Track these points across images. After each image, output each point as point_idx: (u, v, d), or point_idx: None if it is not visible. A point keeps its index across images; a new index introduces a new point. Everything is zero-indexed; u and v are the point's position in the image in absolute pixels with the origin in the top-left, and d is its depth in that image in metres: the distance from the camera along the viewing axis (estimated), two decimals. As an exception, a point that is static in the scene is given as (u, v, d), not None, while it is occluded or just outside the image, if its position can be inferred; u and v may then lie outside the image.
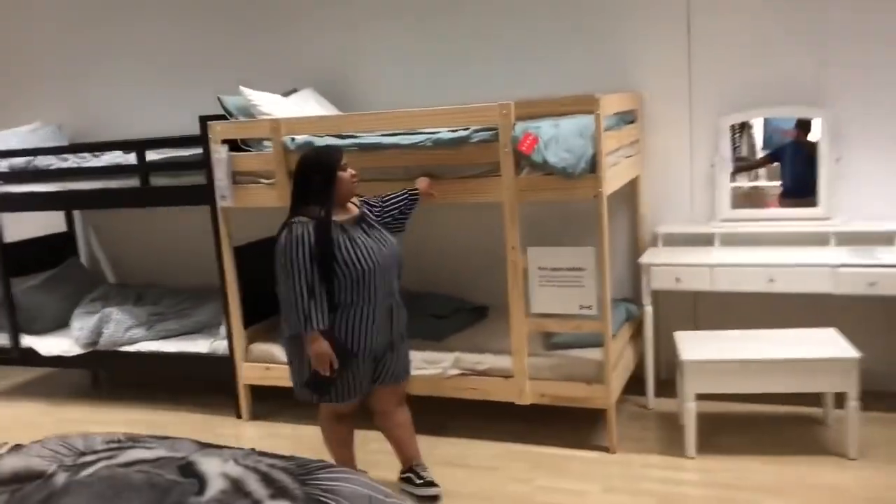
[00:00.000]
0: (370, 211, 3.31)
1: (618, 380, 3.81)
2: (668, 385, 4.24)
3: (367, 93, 4.82)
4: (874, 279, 3.59)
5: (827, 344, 3.54)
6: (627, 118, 4.11)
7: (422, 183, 3.60)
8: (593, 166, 3.45)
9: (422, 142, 3.67)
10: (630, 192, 4.32)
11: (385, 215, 3.40)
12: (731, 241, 4.18)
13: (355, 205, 3.25)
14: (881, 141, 3.94)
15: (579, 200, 3.58)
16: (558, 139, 3.48)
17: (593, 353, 3.75)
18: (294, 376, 3.21)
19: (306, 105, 4.48)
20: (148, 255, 5.57)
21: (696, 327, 4.40)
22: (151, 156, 4.45)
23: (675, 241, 4.29)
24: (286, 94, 4.52)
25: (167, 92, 5.24)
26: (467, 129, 3.63)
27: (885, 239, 3.88)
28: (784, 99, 4.05)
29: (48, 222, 5.57)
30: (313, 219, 3.01)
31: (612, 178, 3.63)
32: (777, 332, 3.75)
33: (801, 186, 4.18)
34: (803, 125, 4.12)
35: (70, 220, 5.75)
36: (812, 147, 4.06)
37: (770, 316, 4.20)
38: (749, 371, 3.44)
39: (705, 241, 4.22)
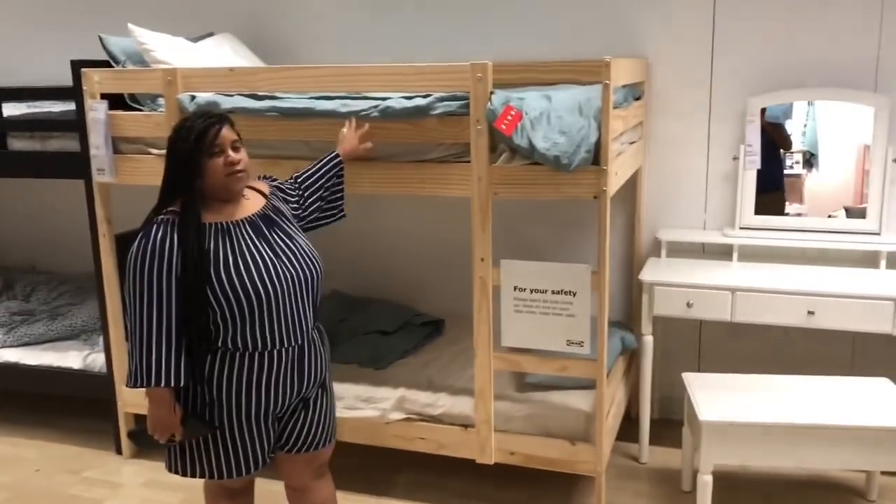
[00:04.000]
0: (286, 200, 2.36)
1: (610, 437, 2.93)
2: (661, 427, 3.40)
3: (303, 44, 3.82)
4: (946, 319, 2.76)
5: (890, 403, 2.71)
6: (634, 93, 3.20)
7: (346, 140, 2.63)
8: (595, 156, 2.54)
9: (366, 110, 2.70)
10: (628, 188, 3.42)
11: (308, 203, 2.45)
12: (753, 255, 3.32)
13: (263, 194, 2.29)
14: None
15: (574, 200, 2.67)
16: (550, 116, 2.55)
17: (580, 399, 2.86)
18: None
19: (220, 54, 3.46)
20: (26, 232, 4.51)
21: (700, 360, 3.55)
22: (10, 111, 3.40)
23: (680, 251, 3.41)
24: (196, 39, 3.50)
25: (61, 33, 4.16)
26: (428, 95, 2.68)
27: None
28: (830, 80, 3.18)
29: None
30: (171, 216, 2.06)
31: (618, 172, 2.73)
32: (818, 380, 2.91)
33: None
34: (775, 126, 3.28)
35: (-67, 185, 4.64)
36: (781, 145, 3.28)
37: (797, 354, 3.38)
38: (790, 439, 2.59)
39: (720, 253, 3.35)
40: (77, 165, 3.17)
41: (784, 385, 2.87)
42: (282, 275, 2.10)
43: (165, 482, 3.22)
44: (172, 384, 2.00)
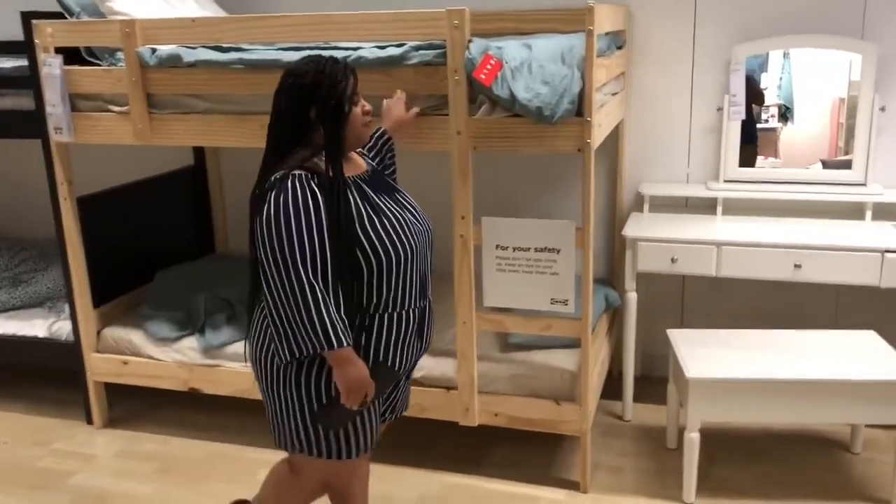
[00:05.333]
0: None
1: (595, 395, 2.87)
2: (644, 384, 3.36)
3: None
4: (934, 270, 2.72)
5: (877, 356, 2.67)
6: (617, 42, 3.08)
7: (394, 110, 2.45)
8: (580, 107, 2.43)
9: (337, 61, 2.56)
10: (609, 141, 3.32)
11: (385, 167, 2.34)
12: (737, 208, 3.25)
13: (362, 154, 2.15)
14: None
15: (556, 153, 2.56)
16: (531, 65, 2.43)
17: (564, 358, 2.80)
18: (284, 422, 1.96)
19: (181, 5, 3.28)
20: (-14, 196, 4.33)
21: (683, 317, 3.50)
22: (-40, 66, 3.21)
23: (664, 205, 3.33)
24: (157, -11, 3.31)
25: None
26: (402, 45, 2.55)
27: (937, 214, 3.01)
28: (816, 28, 3.08)
29: None
30: (315, 173, 1.84)
31: (601, 124, 2.63)
32: (803, 334, 2.86)
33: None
34: (749, 79, 3.18)
35: None
36: (753, 100, 3.20)
37: (780, 308, 3.34)
38: (777, 394, 2.55)
39: (704, 207, 3.28)
40: (32, 124, 3.00)
41: (769, 340, 2.82)
42: (415, 230, 1.97)
43: (138, 452, 3.13)
44: (352, 342, 1.83)
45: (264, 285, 1.78)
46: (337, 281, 1.82)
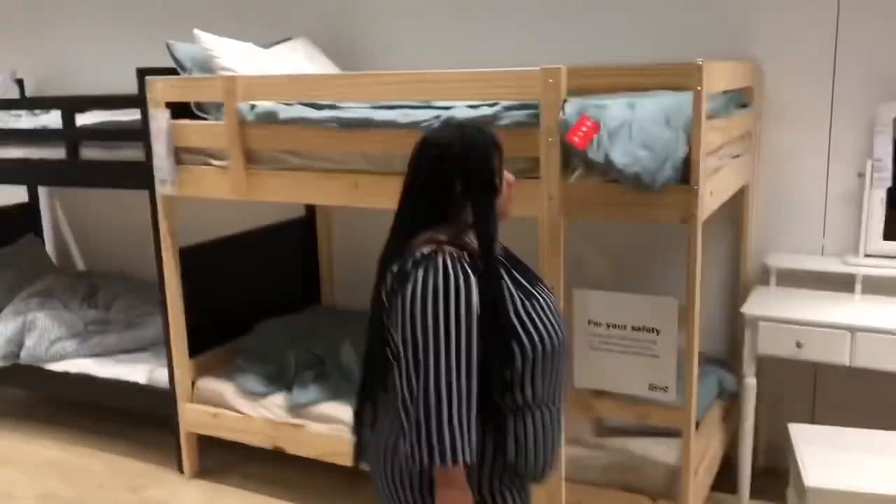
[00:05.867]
0: None
1: (700, 493, 2.56)
2: (767, 478, 2.98)
3: (379, 50, 3.61)
4: None
5: None
6: (738, 100, 2.81)
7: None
8: (685, 173, 2.19)
9: (428, 121, 2.46)
10: (733, 206, 3.02)
11: None
12: (880, 287, 2.85)
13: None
14: None
15: (658, 223, 2.32)
16: (632, 127, 2.22)
17: (666, 450, 2.52)
18: None
19: (292, 60, 3.30)
20: (117, 238, 4.53)
21: (814, 408, 3.10)
22: (86, 119, 3.37)
23: (793, 280, 2.98)
24: (270, 45, 3.36)
25: (144, 37, 4.14)
26: (494, 104, 2.41)
27: None
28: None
29: (8, 191, 4.56)
30: (463, 251, 1.58)
31: (714, 192, 2.36)
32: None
33: None
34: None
35: (33, 190, 4.75)
36: None
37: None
38: (917, 518, 2.15)
39: (840, 284, 2.90)
40: (142, 176, 3.08)
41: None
42: (562, 322, 1.70)
43: (225, 502, 3.10)
44: (475, 459, 1.54)
45: (398, 375, 1.53)
46: (480, 375, 1.54)
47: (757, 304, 2.77)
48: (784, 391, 3.10)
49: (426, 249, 1.55)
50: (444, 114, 2.44)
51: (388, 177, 2.56)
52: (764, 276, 3.01)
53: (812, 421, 3.06)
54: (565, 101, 2.27)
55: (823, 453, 2.37)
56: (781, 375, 3.08)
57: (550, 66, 2.27)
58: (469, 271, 1.53)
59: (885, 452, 2.37)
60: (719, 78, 2.34)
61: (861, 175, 2.85)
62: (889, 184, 2.82)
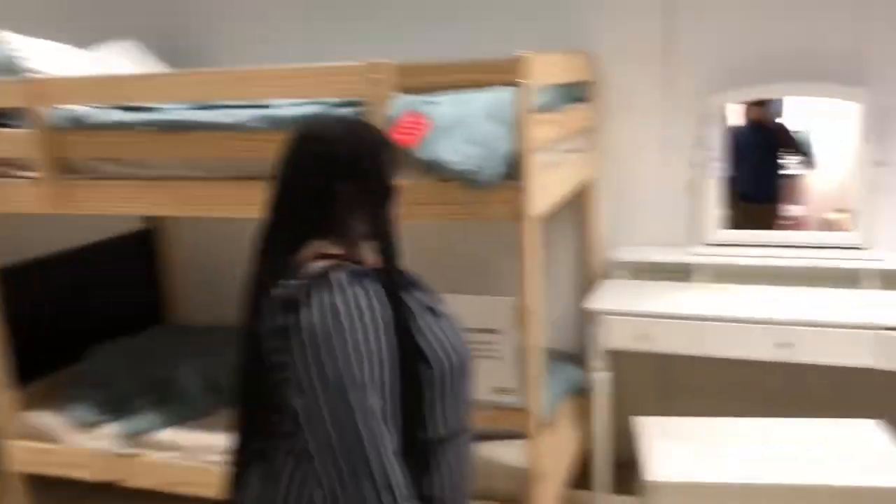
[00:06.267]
0: None
1: (551, 494, 2.51)
2: (628, 471, 2.97)
3: (220, 52, 3.43)
4: (942, 351, 2.34)
5: (877, 454, 2.28)
6: (574, 94, 2.79)
7: None
8: (515, 169, 2.13)
9: (249, 121, 2.31)
10: (578, 201, 3.01)
11: None
12: (721, 275, 2.90)
13: None
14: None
15: (491, 221, 2.26)
16: (462, 125, 2.15)
17: (515, 452, 2.45)
18: None
19: (118, 64, 3.07)
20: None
21: (665, 398, 3.12)
22: None
23: (640, 271, 3.00)
24: (92, 47, 3.11)
25: None
26: (320, 102, 2.28)
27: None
28: (805, 74, 2.77)
29: None
30: (354, 265, 1.35)
31: (547, 187, 2.32)
32: (794, 424, 2.47)
33: (761, 187, 3.01)
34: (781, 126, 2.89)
35: None
36: (778, 134, 2.86)
37: (776, 390, 2.95)
38: (757, 502, 2.17)
39: (684, 273, 2.94)
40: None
41: (754, 431, 2.44)
42: (462, 339, 1.49)
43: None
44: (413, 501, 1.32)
45: (306, 418, 1.27)
46: (396, 406, 1.33)
47: (601, 299, 2.77)
48: (642, 382, 3.12)
49: (318, 267, 1.31)
50: (268, 113, 2.29)
51: (221, 183, 2.41)
52: (611, 270, 3.02)
53: (670, 411, 3.08)
54: (393, 97, 2.17)
55: (667, 445, 2.36)
56: (639, 367, 3.09)
57: (376, 60, 2.16)
58: (373, 290, 1.30)
59: (729, 440, 2.39)
60: (548, 71, 2.30)
61: (696, 166, 2.90)
62: (723, 173, 2.88)
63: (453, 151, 2.11)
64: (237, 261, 3.53)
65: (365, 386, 1.24)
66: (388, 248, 1.37)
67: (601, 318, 2.68)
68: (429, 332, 1.37)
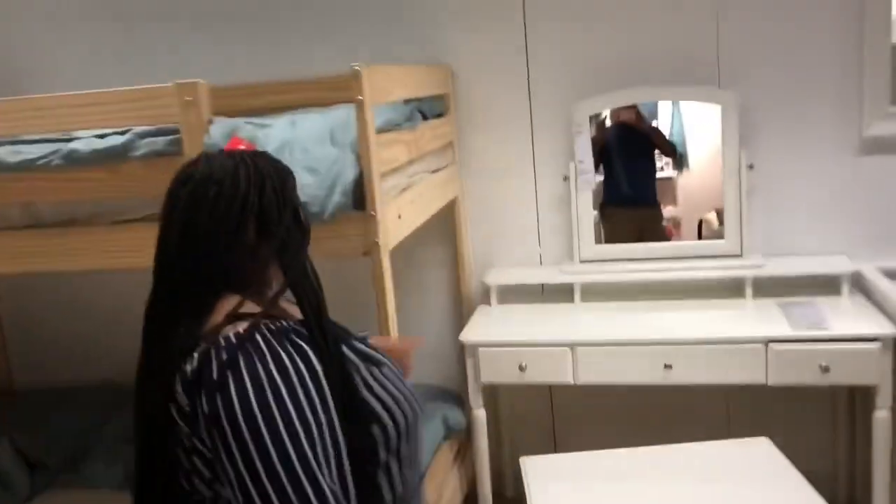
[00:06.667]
0: None
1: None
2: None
3: (37, 80, 3.02)
4: (829, 359, 2.23)
5: (768, 472, 2.14)
6: (434, 108, 2.56)
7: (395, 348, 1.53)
8: (360, 197, 1.86)
9: (45, 157, 1.95)
10: (449, 222, 2.78)
11: None
12: (599, 293, 2.73)
13: None
14: (799, 139, 2.60)
15: (339, 257, 1.98)
16: (294, 149, 1.87)
17: None
18: None
19: None
20: None
21: (558, 430, 2.94)
22: None
23: (517, 295, 2.79)
24: None
25: None
26: (125, 131, 1.95)
27: (825, 285, 2.55)
28: (667, 76, 2.63)
29: None
30: (281, 321, 1.14)
31: (404, 214, 2.06)
32: (685, 450, 2.30)
33: (637, 190, 2.87)
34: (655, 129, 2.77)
35: None
36: (651, 137, 2.76)
37: (668, 414, 2.80)
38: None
39: (561, 294, 2.75)
40: None
41: (646, 460, 2.26)
42: (412, 390, 1.29)
43: None
44: None
45: None
46: (346, 478, 1.12)
47: (476, 329, 2.54)
48: (527, 415, 2.91)
49: (237, 330, 1.09)
50: (65, 147, 1.94)
51: (18, 233, 2.03)
52: (485, 295, 2.80)
53: (564, 443, 2.89)
54: (210, 121, 1.87)
55: (552, 484, 2.14)
56: (527, 398, 2.88)
57: (187, 81, 1.85)
58: (304, 346, 1.10)
59: (619, 473, 2.19)
60: (391, 86, 2.05)
61: (566, 179, 2.72)
62: (594, 185, 2.71)
63: (286, 181, 1.82)
64: (61, 316, 3.13)
65: (320, 465, 1.04)
66: (312, 296, 1.17)
67: (475, 351, 2.45)
68: (377, 386, 1.19)
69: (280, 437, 1.02)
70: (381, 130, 1.94)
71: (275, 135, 1.89)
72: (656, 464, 2.23)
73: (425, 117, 2.44)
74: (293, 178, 1.26)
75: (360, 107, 1.80)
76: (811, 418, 2.69)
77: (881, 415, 2.24)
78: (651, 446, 2.34)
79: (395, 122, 2.10)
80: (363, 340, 1.26)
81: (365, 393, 1.17)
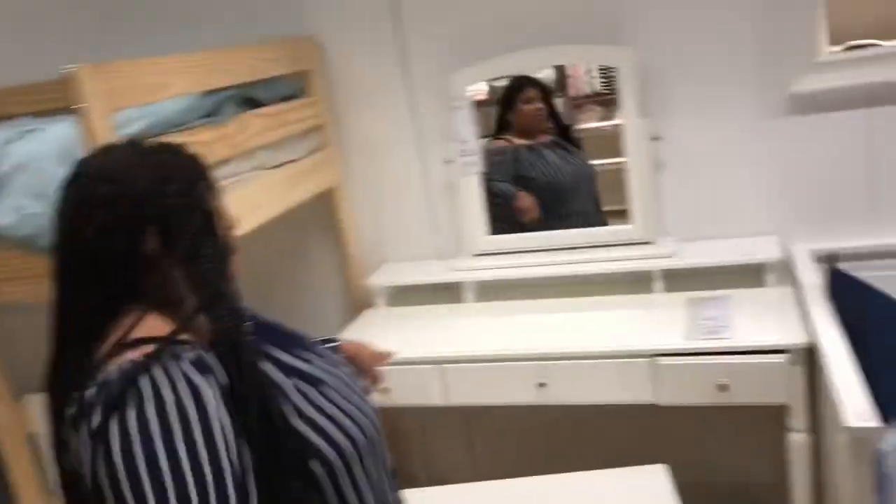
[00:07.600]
0: None
1: None
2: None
3: None
4: (727, 375, 1.84)
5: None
6: (278, 90, 2.23)
7: (365, 355, 1.45)
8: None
9: None
10: (329, 215, 2.48)
11: None
12: (492, 291, 2.38)
13: None
14: (714, 102, 2.15)
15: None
16: (27, 171, 1.58)
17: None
18: None
19: None
20: None
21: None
22: None
23: (408, 295, 2.47)
24: None
25: None
26: None
27: (750, 272, 2.13)
28: (559, 35, 2.22)
29: None
30: (186, 343, 0.94)
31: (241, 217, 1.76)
32: (579, 479, 1.97)
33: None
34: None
35: None
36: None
37: (570, 439, 2.47)
38: None
39: (455, 292, 2.41)
40: None
41: (535, 492, 1.95)
42: (363, 393, 1.17)
43: None
44: None
45: None
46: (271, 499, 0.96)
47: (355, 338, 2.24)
48: (439, 441, 2.63)
49: (129, 361, 0.91)
50: None
51: None
52: (372, 297, 2.49)
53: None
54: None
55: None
56: (435, 424, 2.59)
57: None
58: (208, 377, 0.91)
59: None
60: (140, 86, 1.68)
61: (447, 162, 2.36)
62: (480, 168, 2.34)
63: (12, 210, 1.55)
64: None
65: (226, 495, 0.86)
66: (224, 311, 0.98)
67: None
68: (311, 410, 1.03)
69: (161, 487, 0.83)
70: (152, 135, 1.64)
71: (14, 151, 1.61)
72: (543, 496, 1.92)
73: (260, 104, 2.11)
74: (207, 178, 1.07)
75: (85, 118, 1.49)
76: (728, 433, 2.30)
77: (796, 438, 1.85)
78: (530, 477, 2.03)
79: (177, 123, 1.78)
80: (335, 349, 1.16)
81: (296, 421, 1.01)
